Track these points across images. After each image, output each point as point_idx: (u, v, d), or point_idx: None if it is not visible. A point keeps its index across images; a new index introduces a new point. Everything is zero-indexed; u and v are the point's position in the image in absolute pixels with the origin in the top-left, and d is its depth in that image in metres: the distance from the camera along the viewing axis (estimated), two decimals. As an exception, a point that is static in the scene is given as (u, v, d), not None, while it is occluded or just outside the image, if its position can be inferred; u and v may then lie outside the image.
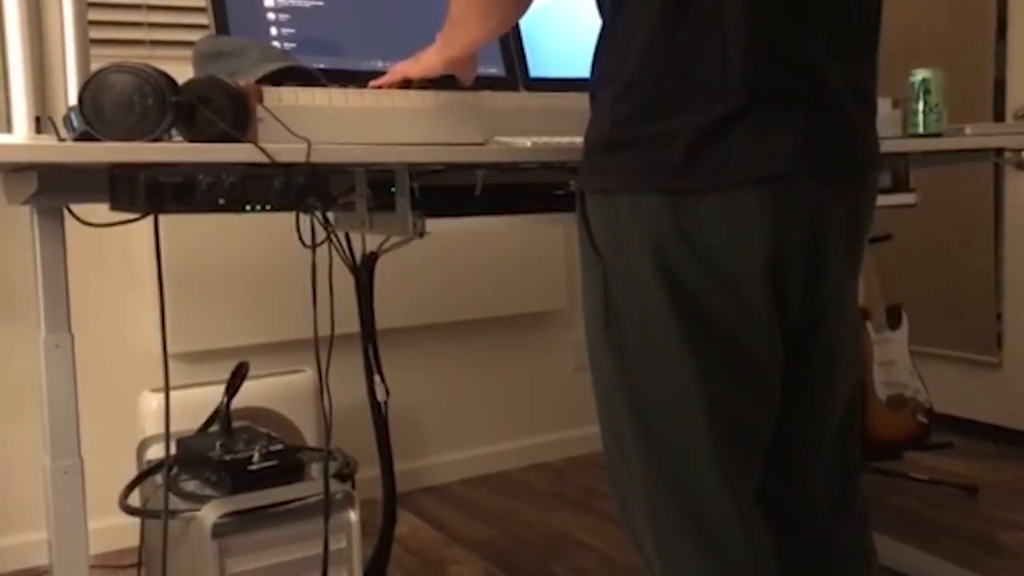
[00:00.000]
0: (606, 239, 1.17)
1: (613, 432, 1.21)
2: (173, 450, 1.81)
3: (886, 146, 1.34)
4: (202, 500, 1.63)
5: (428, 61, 1.40)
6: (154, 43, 2.50)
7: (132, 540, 2.07)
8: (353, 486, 1.76)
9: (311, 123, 1.27)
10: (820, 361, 1.25)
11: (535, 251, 3.09)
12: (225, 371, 1.92)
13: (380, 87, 1.43)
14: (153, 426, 2.19)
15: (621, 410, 1.18)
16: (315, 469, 1.77)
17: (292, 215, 1.32)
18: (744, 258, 1.11)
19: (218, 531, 1.56)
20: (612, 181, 1.15)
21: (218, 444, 1.75)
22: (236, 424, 1.88)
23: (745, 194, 1.10)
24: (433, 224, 1.39)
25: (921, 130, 1.84)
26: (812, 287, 1.18)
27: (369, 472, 2.07)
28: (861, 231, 1.25)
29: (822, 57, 1.13)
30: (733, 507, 1.16)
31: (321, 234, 1.34)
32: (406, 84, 1.42)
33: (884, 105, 1.80)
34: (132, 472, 1.93)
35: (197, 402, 2.02)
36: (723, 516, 1.15)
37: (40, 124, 1.46)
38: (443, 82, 1.42)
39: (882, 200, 1.28)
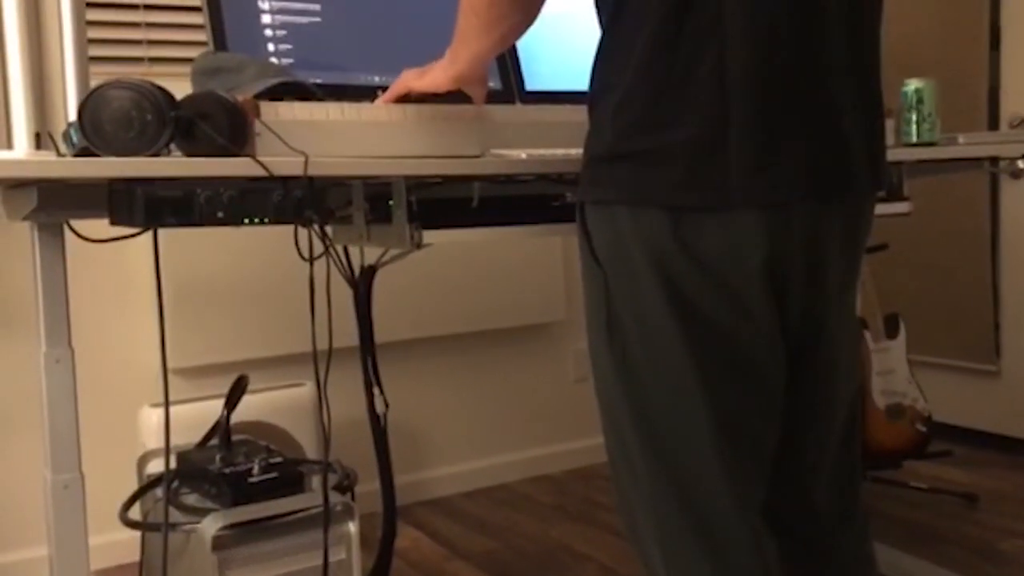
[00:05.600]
0: (607, 250, 1.17)
1: (618, 441, 1.21)
2: (173, 464, 1.81)
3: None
4: (202, 513, 1.63)
5: (433, 77, 1.38)
6: (153, 60, 2.52)
7: (133, 556, 2.07)
8: (353, 498, 1.76)
9: (308, 137, 1.28)
10: (821, 370, 1.25)
11: (533, 263, 3.09)
12: (225, 385, 1.93)
13: (385, 101, 1.42)
14: (153, 441, 2.20)
15: (625, 419, 1.18)
16: (315, 481, 1.78)
17: (292, 229, 1.33)
18: (744, 266, 1.11)
19: (218, 543, 1.57)
20: (611, 193, 1.15)
21: (218, 457, 1.76)
22: (236, 438, 1.89)
23: (745, 215, 1.10)
24: (431, 236, 1.39)
25: (915, 139, 1.85)
26: (811, 295, 1.18)
27: (370, 486, 2.07)
28: (860, 240, 1.25)
29: (831, 68, 1.12)
30: (740, 514, 1.16)
31: (319, 248, 1.35)
32: (406, 98, 1.41)
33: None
34: (132, 487, 1.93)
35: (197, 417, 2.02)
36: (730, 523, 1.15)
37: (40, 140, 1.47)
38: (444, 98, 1.41)
39: (876, 209, 1.28)
